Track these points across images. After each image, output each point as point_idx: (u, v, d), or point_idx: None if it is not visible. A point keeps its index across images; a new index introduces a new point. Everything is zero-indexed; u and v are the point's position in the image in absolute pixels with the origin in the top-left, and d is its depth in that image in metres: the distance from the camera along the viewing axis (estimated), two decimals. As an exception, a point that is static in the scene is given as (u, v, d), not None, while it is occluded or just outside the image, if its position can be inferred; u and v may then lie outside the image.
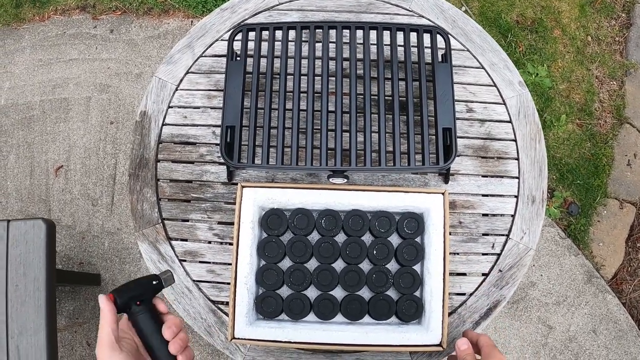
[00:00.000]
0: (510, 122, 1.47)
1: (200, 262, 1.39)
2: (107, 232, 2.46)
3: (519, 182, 1.43)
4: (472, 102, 1.49)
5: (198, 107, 1.49)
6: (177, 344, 0.91)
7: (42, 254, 1.77)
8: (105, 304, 0.89)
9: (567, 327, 2.37)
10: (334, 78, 1.37)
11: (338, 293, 1.29)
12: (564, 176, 2.53)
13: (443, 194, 1.28)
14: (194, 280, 1.38)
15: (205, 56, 1.54)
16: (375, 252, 1.27)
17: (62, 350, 2.34)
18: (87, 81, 2.66)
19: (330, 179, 1.28)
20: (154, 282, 0.97)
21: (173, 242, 1.41)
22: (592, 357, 2.35)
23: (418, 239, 1.31)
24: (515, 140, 1.46)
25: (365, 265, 1.31)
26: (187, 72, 1.52)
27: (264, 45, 1.41)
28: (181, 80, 1.51)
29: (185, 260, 1.39)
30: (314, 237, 1.32)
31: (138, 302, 0.93)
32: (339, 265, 1.31)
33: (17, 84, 2.68)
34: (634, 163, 2.60)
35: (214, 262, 1.39)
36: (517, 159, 1.45)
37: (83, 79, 2.67)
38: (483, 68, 1.52)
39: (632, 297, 2.47)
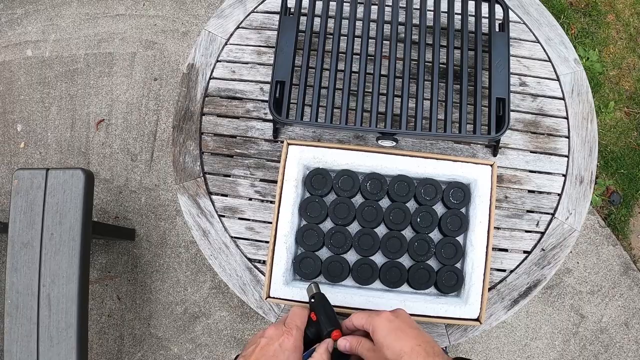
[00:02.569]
0: (563, 99, 1.44)
1: (240, 218, 1.38)
2: (144, 187, 2.47)
3: (568, 161, 1.40)
4: (525, 75, 1.45)
5: (247, 63, 1.47)
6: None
7: (79, 203, 1.78)
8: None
9: (599, 317, 2.34)
10: (388, 42, 1.34)
11: (378, 259, 1.27)
12: (608, 164, 2.48)
13: (492, 165, 1.26)
14: (232, 237, 1.37)
15: (256, 12, 1.52)
16: (419, 219, 1.25)
17: (92, 302, 2.36)
18: (132, 37, 2.66)
19: (379, 141, 1.26)
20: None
21: (213, 197, 1.40)
22: (622, 351, 2.32)
23: (463, 210, 1.28)
24: (567, 118, 1.43)
25: (408, 233, 1.29)
26: (238, 27, 1.50)
27: (319, 5, 1.38)
28: (231, 35, 1.50)
29: (224, 216, 1.38)
30: (358, 200, 1.30)
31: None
32: (381, 230, 1.29)
33: (63, 37, 2.69)
34: (680, 156, 2.55)
35: (253, 220, 1.38)
36: (568, 137, 1.41)
37: (129, 35, 2.67)
38: (539, 42, 1.48)
39: (668, 293, 2.43)
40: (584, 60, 2.51)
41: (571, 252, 2.38)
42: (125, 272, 2.40)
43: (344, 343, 0.92)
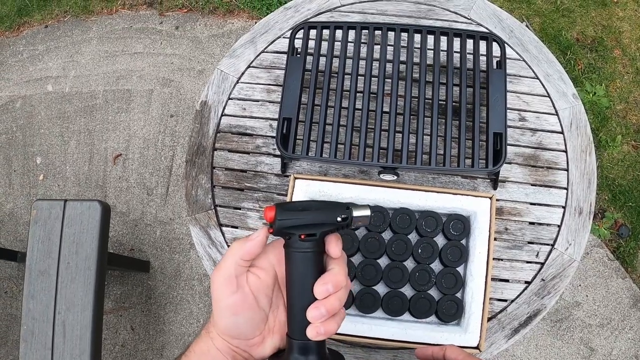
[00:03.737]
0: (562, 132, 1.48)
1: (249, 249, 1.43)
2: (159, 221, 2.53)
3: (567, 193, 1.44)
4: (525, 111, 1.50)
5: (257, 100, 1.53)
6: (320, 309, 0.67)
7: (95, 234, 1.83)
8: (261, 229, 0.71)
9: (609, 350, 2.35)
10: (390, 80, 1.39)
11: (380, 288, 1.31)
12: (616, 197, 2.51)
13: (491, 198, 1.30)
14: (241, 267, 1.42)
15: (266, 52, 1.58)
16: (420, 250, 1.30)
17: (107, 332, 2.40)
18: (150, 74, 2.74)
19: (381, 175, 1.31)
20: (339, 219, 0.70)
21: (224, 228, 1.45)
22: (632, 383, 2.32)
23: (463, 241, 1.32)
24: (565, 152, 1.47)
25: (410, 264, 1.33)
26: (249, 66, 1.57)
27: (324, 45, 1.44)
28: (242, 74, 1.56)
29: (234, 247, 1.43)
30: (361, 232, 1.35)
31: (302, 236, 0.69)
32: (383, 261, 1.33)
33: (83, 73, 2.78)
34: (688, 190, 2.57)
35: (262, 251, 1.42)
36: (567, 169, 1.45)
37: (146, 72, 2.75)
38: (537, 78, 1.53)
39: (678, 326, 2.43)
40: (591, 95, 2.56)
41: (580, 285, 2.39)
42: (139, 304, 2.44)
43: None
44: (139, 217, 2.54)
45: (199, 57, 2.76)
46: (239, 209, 1.46)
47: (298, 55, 1.41)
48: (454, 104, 1.38)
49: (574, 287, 2.39)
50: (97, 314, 1.78)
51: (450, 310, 1.27)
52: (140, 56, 2.79)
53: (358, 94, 1.40)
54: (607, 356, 2.34)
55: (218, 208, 1.46)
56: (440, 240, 1.34)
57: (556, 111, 1.50)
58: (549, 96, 1.51)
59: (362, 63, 1.44)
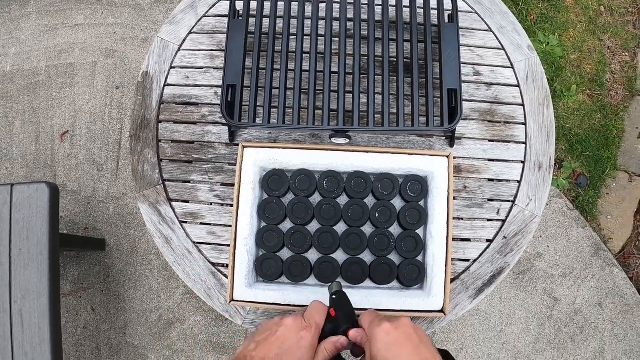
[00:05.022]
0: (518, 86, 1.45)
1: (201, 223, 1.38)
2: (112, 197, 2.45)
3: (526, 148, 1.41)
4: (479, 65, 1.46)
5: (201, 68, 1.47)
6: None
7: (45, 217, 1.76)
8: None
9: (572, 299, 2.36)
10: (337, 39, 1.34)
11: (339, 256, 1.27)
12: (573, 147, 2.50)
13: (448, 156, 1.26)
14: (194, 242, 1.37)
15: (208, 16, 1.51)
16: (377, 214, 1.25)
17: (67, 315, 2.34)
18: (92, 46, 2.64)
19: (332, 139, 1.26)
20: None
21: (174, 204, 1.39)
22: (597, 331, 2.34)
23: (421, 203, 1.28)
24: (523, 105, 1.43)
25: (368, 229, 1.29)
26: (190, 32, 1.50)
27: (267, 6, 1.38)
28: (184, 41, 1.49)
29: (185, 222, 1.38)
30: (316, 198, 1.30)
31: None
32: (340, 227, 1.29)
33: (23, 50, 2.66)
34: (644, 136, 2.57)
35: (214, 224, 1.38)
36: (525, 124, 1.42)
37: (89, 44, 2.64)
38: (491, 31, 1.49)
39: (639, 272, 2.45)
40: (545, 45, 2.53)
41: (541, 236, 2.39)
42: (98, 283, 2.38)
43: (356, 334, 0.90)
44: (90, 194, 2.46)
45: (141, 24, 2.66)
46: (189, 182, 1.40)
47: (240, 18, 1.35)
48: (405, 60, 1.33)
49: (535, 238, 2.39)
50: (54, 299, 1.72)
51: (412, 275, 1.24)
52: (81, 28, 2.67)
53: (305, 55, 1.35)
54: (571, 305, 2.35)
55: (167, 183, 1.40)
56: (398, 203, 1.30)
57: (511, 64, 1.46)
58: (503, 49, 1.47)
59: (308, 22, 1.38)
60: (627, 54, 2.68)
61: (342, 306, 0.96)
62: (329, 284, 1.02)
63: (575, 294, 2.36)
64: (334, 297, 0.98)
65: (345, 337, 0.91)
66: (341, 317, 0.94)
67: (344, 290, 1.00)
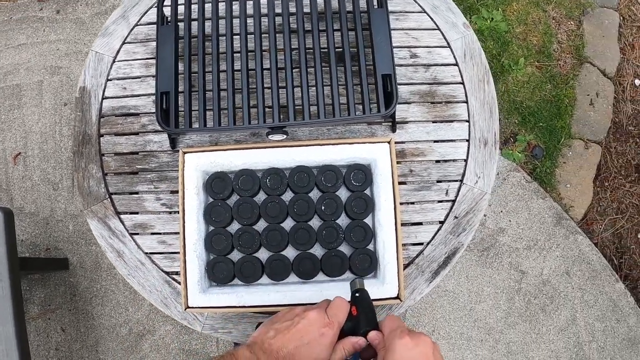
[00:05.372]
0: (456, 64, 1.45)
1: (151, 233, 1.37)
2: (70, 215, 2.43)
3: (469, 125, 1.41)
4: (415, 47, 1.46)
5: (137, 77, 1.45)
6: None
7: (1, 242, 1.73)
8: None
9: (539, 271, 2.38)
10: (267, 35, 1.33)
11: (289, 253, 1.27)
12: (526, 119, 2.52)
13: (389, 142, 1.26)
14: (146, 253, 1.36)
15: (140, 24, 1.49)
16: (323, 207, 1.25)
17: (38, 338, 2.32)
18: (37, 65, 2.61)
19: (269, 136, 1.25)
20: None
21: (122, 216, 1.38)
22: (567, 299, 2.36)
23: (367, 191, 1.28)
24: (462, 83, 1.44)
25: (315, 222, 1.29)
26: (124, 43, 1.48)
27: (195, 8, 1.37)
28: (118, 52, 1.47)
29: (136, 234, 1.37)
30: (261, 197, 1.29)
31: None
32: (288, 224, 1.28)
33: (-33, 74, 2.62)
34: (596, 102, 2.59)
35: (164, 233, 1.36)
36: (466, 101, 1.42)
37: (33, 63, 2.61)
38: (425, 12, 1.48)
39: (604, 237, 2.48)
40: (489, 21, 2.54)
41: (502, 211, 2.41)
42: (65, 303, 2.35)
43: (376, 339, 0.89)
44: (49, 214, 2.43)
45: (84, 38, 2.63)
46: (135, 193, 1.39)
47: (168, 24, 1.33)
48: (337, 50, 1.32)
49: (496, 213, 2.40)
50: (19, 324, 1.69)
51: (363, 264, 1.24)
52: (24, 47, 2.64)
53: (235, 55, 1.33)
54: (539, 277, 2.37)
55: (113, 196, 1.39)
56: (343, 194, 1.29)
57: (448, 43, 1.46)
58: (438, 29, 1.48)
59: (237, 22, 1.37)
60: (572, 22, 2.70)
61: (364, 306, 0.94)
62: (351, 280, 1.01)
63: (542, 265, 2.38)
64: (356, 295, 0.97)
65: (365, 338, 0.89)
66: (363, 318, 0.92)
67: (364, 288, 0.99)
